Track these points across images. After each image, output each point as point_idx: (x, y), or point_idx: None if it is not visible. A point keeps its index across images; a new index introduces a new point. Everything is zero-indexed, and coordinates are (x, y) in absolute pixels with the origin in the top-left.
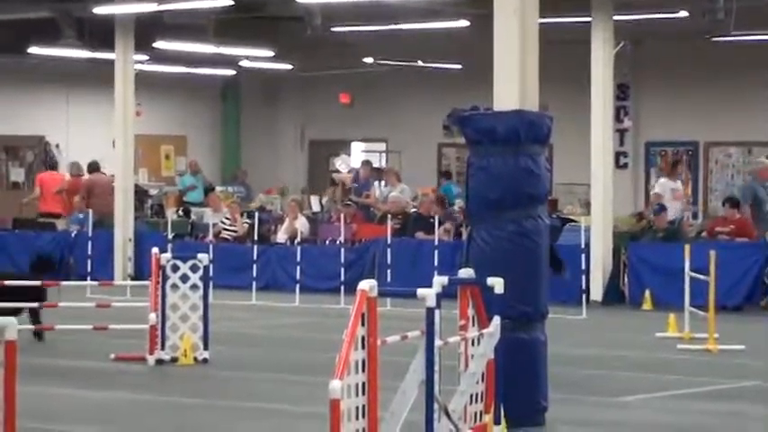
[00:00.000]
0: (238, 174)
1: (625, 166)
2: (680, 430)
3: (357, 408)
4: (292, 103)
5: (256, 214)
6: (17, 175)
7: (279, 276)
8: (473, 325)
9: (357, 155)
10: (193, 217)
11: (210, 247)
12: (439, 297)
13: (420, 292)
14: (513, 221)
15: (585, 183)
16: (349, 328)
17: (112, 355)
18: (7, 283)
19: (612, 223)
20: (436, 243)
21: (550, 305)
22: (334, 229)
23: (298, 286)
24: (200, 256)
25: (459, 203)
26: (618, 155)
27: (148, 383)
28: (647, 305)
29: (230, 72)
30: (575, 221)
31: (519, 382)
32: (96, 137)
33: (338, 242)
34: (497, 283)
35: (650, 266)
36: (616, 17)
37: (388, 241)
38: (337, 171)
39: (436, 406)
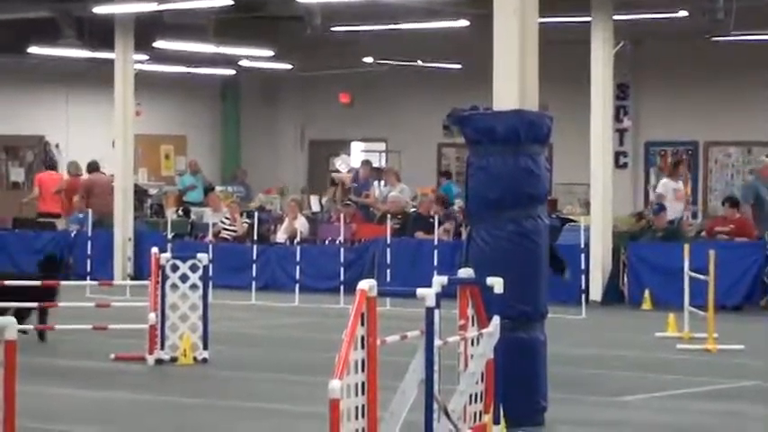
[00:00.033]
0: (238, 173)
1: (625, 165)
2: (679, 430)
3: (357, 407)
4: (292, 103)
5: (256, 214)
6: (17, 174)
7: (278, 276)
8: (472, 325)
9: (357, 155)
10: (193, 217)
11: (210, 246)
12: (438, 297)
13: (419, 291)
14: (512, 221)
15: (585, 183)
16: (348, 328)
17: (112, 355)
18: (22, 283)
19: (612, 223)
20: (436, 243)
21: (550, 305)
22: (333, 228)
23: (297, 286)
24: (199, 255)
25: (458, 203)
26: (617, 155)
27: (148, 383)
28: (646, 305)
29: (230, 72)
30: (574, 221)
31: (518, 381)
32: (96, 137)
33: (338, 242)
34: (497, 283)
35: (650, 266)
36: (616, 17)
37: (388, 241)
38: (337, 171)
39: (436, 406)
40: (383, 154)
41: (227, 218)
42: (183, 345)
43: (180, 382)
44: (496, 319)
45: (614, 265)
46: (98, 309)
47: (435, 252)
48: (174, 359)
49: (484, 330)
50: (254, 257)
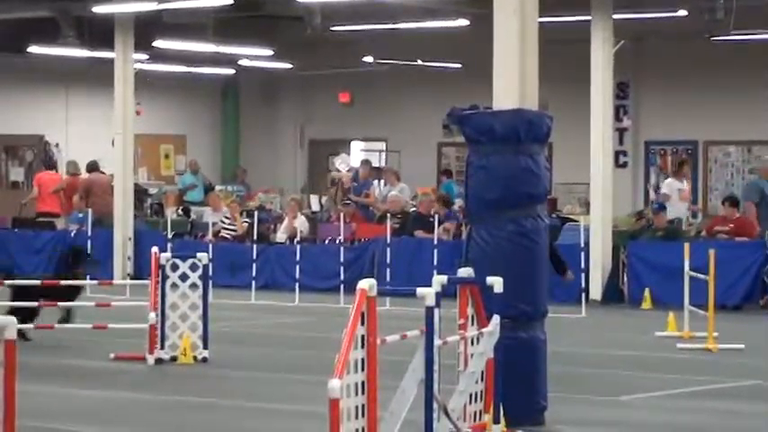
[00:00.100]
0: (238, 173)
1: (624, 165)
2: (679, 429)
3: (356, 407)
4: (292, 103)
5: (256, 213)
6: (17, 174)
7: (278, 276)
8: (472, 324)
9: (356, 154)
10: (193, 216)
11: (210, 246)
12: (438, 296)
13: (419, 291)
14: (512, 221)
15: (585, 182)
16: (348, 328)
17: (112, 355)
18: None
19: (612, 222)
20: (435, 242)
21: (550, 304)
22: (333, 228)
23: (297, 285)
24: (199, 255)
25: (459, 202)
26: (617, 154)
27: (148, 383)
28: (646, 304)
29: (230, 71)
30: (574, 221)
31: (518, 381)
32: (96, 136)
33: (338, 241)
34: (497, 283)
35: (650, 265)
36: (616, 16)
37: (388, 240)
38: (337, 170)
39: (436, 405)
40: (383, 153)
41: (226, 217)
42: (183, 344)
43: (180, 381)
44: (496, 319)
45: (614, 265)
46: (98, 308)
47: (435, 251)
48: (174, 358)
49: (484, 330)
50: (254, 257)
